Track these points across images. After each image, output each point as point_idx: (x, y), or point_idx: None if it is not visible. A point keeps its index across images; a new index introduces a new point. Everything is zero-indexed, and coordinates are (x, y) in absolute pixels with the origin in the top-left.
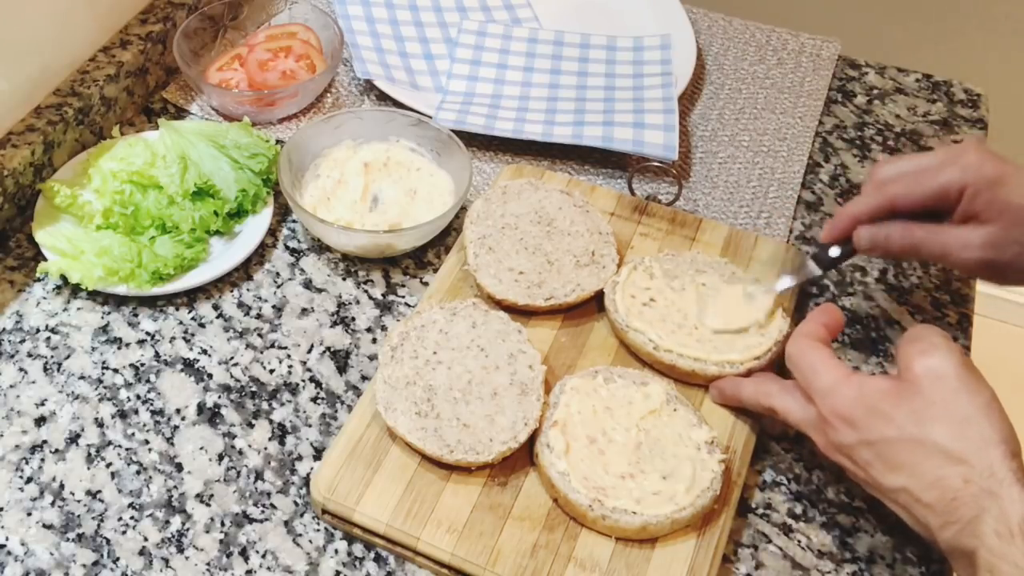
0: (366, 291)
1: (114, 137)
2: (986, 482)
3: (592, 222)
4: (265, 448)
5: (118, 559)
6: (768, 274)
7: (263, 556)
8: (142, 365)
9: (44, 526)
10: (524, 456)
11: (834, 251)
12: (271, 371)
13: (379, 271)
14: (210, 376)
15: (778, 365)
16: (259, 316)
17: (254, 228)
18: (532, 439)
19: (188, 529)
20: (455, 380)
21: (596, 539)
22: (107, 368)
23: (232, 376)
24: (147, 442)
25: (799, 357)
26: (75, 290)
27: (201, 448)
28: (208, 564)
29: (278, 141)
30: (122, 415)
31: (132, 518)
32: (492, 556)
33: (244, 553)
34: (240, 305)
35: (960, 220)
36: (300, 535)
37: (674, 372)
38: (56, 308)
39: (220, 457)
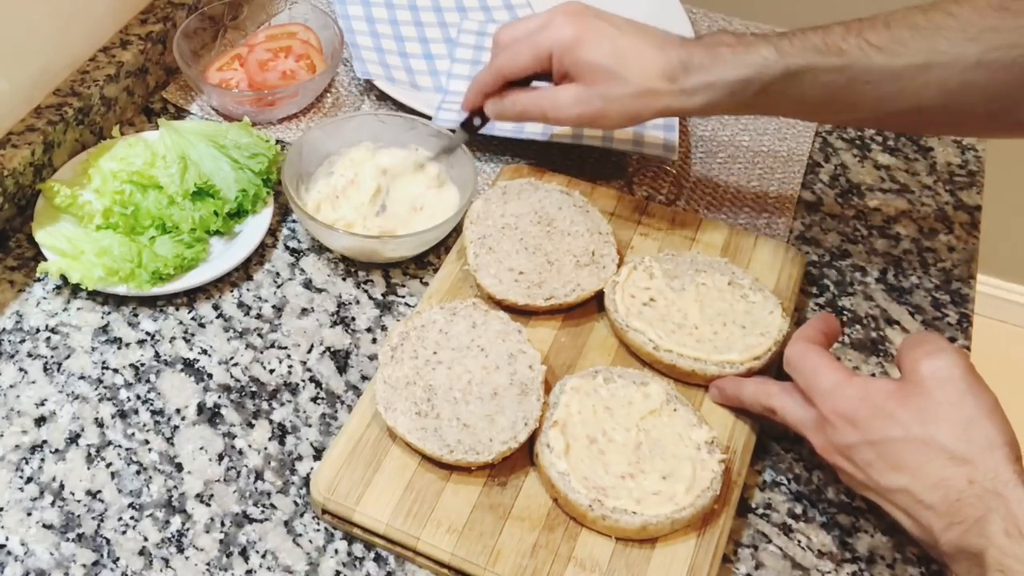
0: (366, 291)
1: (114, 137)
2: (990, 483)
3: (592, 222)
4: (265, 448)
5: (118, 559)
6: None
7: (263, 556)
8: (142, 365)
9: (44, 526)
10: (524, 456)
11: (476, 121)
12: (271, 371)
13: (379, 271)
14: (210, 376)
15: (777, 372)
16: (259, 316)
17: (254, 228)
18: (532, 439)
19: (188, 529)
20: (455, 380)
21: (596, 539)
22: (107, 368)
23: (232, 376)
24: (147, 442)
25: (800, 359)
26: (75, 290)
27: (201, 448)
28: (208, 564)
29: (278, 141)
30: (122, 415)
31: (132, 518)
32: (492, 556)
33: (244, 553)
34: (240, 305)
35: (557, 81)
36: (300, 535)
37: (674, 372)
38: (56, 308)
39: (220, 457)
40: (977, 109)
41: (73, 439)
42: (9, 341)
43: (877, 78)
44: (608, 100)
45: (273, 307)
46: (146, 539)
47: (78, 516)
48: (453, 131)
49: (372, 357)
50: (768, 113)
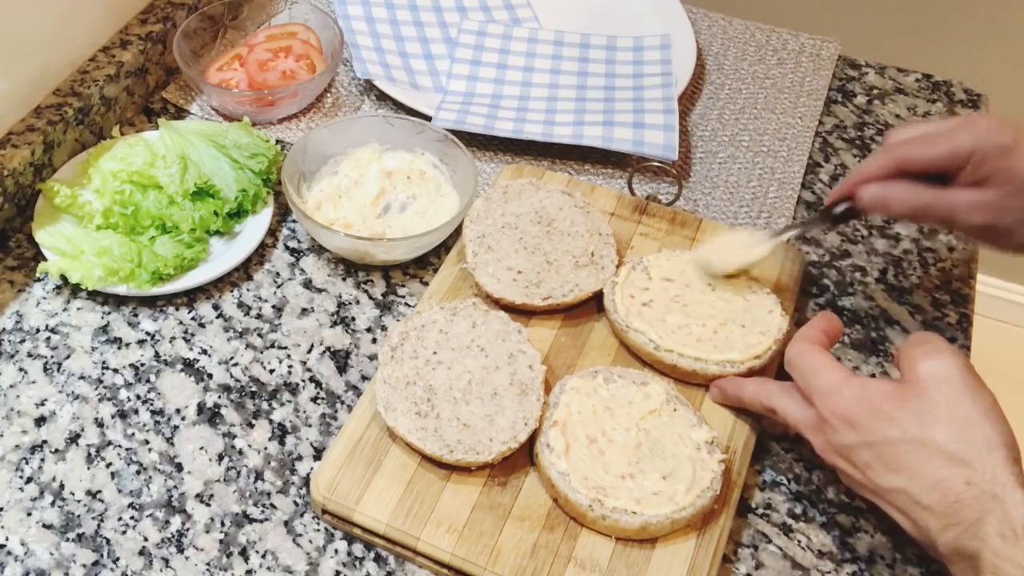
0: (366, 291)
1: (114, 137)
2: (988, 485)
3: (592, 223)
4: (265, 448)
5: (118, 559)
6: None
7: (263, 556)
8: (142, 365)
9: (44, 526)
10: (524, 456)
11: (839, 208)
12: (271, 371)
13: (379, 271)
14: (210, 376)
15: (778, 373)
16: (259, 316)
17: (254, 228)
18: (532, 439)
19: (188, 529)
20: (455, 380)
21: (596, 539)
22: (107, 368)
23: (232, 376)
24: (147, 442)
25: (799, 359)
26: (75, 290)
27: (201, 448)
28: (208, 564)
29: (278, 141)
30: (122, 415)
31: (132, 518)
32: (492, 556)
33: (244, 553)
34: (240, 305)
35: (966, 184)
36: (300, 535)
37: (675, 372)
38: (56, 308)
39: (220, 457)
40: None
41: (73, 439)
42: (9, 341)
43: None
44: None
45: (273, 307)
46: (146, 539)
47: (78, 516)
48: (814, 215)
49: (372, 357)
50: None
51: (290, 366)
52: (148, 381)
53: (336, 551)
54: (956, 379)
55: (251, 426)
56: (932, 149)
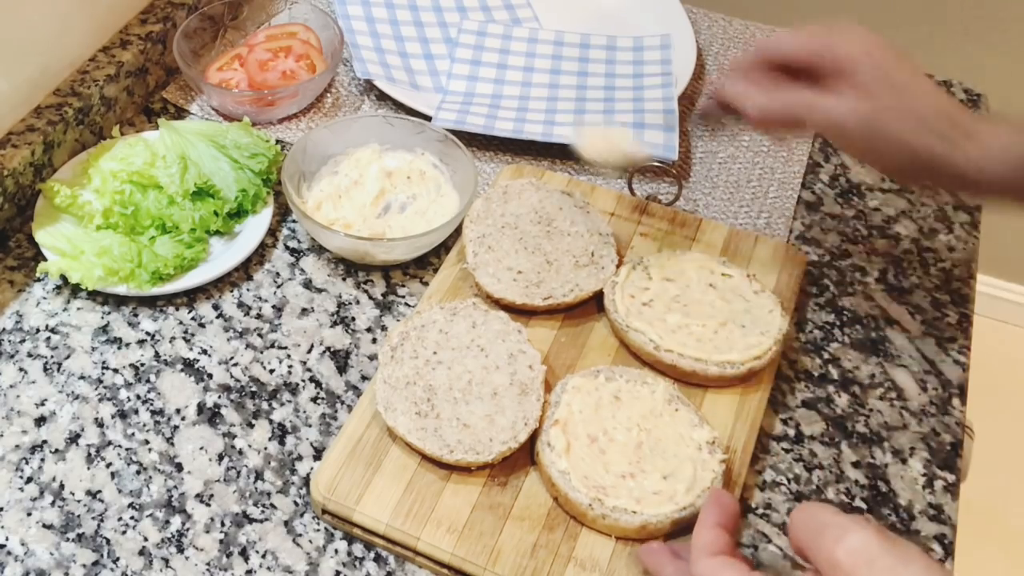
0: (366, 291)
1: (114, 137)
2: None
3: (592, 223)
4: (265, 448)
5: (118, 559)
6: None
7: (263, 556)
8: (142, 365)
9: (44, 526)
10: (524, 456)
11: (703, 108)
12: (271, 371)
13: (379, 271)
14: (210, 376)
15: (778, 375)
16: (259, 316)
17: (254, 228)
18: (532, 439)
19: (188, 529)
20: (455, 380)
21: (596, 539)
22: (107, 368)
23: (232, 376)
24: (147, 442)
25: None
26: (75, 290)
27: (201, 448)
28: (208, 564)
29: (278, 141)
30: (122, 415)
31: (132, 518)
32: (492, 556)
33: (244, 553)
34: (240, 305)
35: (834, 88)
36: (300, 535)
37: (674, 372)
38: (56, 308)
39: (220, 457)
40: None
41: (73, 439)
42: (9, 341)
43: None
44: (894, 112)
45: (273, 307)
46: (146, 539)
47: (78, 516)
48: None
49: (372, 357)
50: None
51: (290, 366)
52: (148, 381)
53: (336, 551)
54: (880, 553)
55: (251, 426)
56: (794, 40)
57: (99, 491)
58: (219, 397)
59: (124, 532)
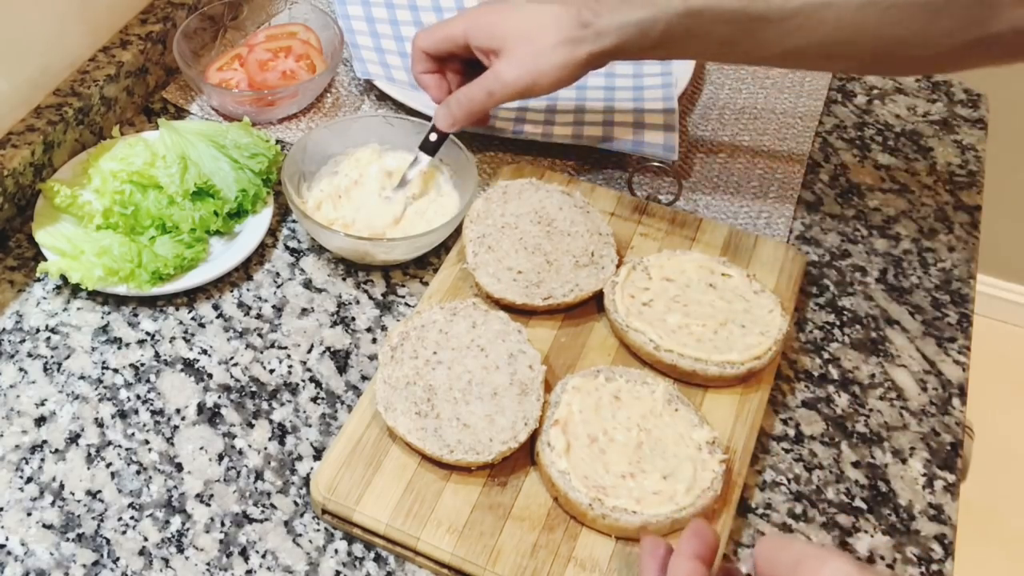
0: (366, 291)
1: (114, 137)
2: None
3: (592, 223)
4: (265, 448)
5: (118, 559)
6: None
7: (263, 556)
8: (142, 365)
9: (44, 526)
10: (524, 456)
11: (433, 136)
12: (271, 371)
13: (379, 271)
14: (210, 376)
15: (777, 375)
16: (259, 316)
17: (254, 228)
18: (532, 439)
19: (188, 529)
20: (455, 380)
21: (596, 539)
22: (107, 368)
23: (232, 376)
24: (147, 442)
25: None
26: (75, 290)
27: (201, 448)
28: (208, 564)
29: (278, 141)
30: (122, 415)
31: (132, 518)
32: (492, 556)
33: (244, 553)
34: (240, 305)
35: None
36: (300, 535)
37: (674, 372)
38: (56, 308)
39: (220, 457)
40: (871, 46)
41: (73, 439)
42: (9, 341)
43: (776, 15)
44: (537, 57)
45: (273, 307)
46: (146, 539)
47: (78, 516)
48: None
49: (372, 357)
50: (682, 56)
51: (290, 366)
52: (148, 381)
53: (336, 551)
54: None
55: (251, 426)
56: (435, 32)
57: (99, 491)
58: (219, 397)
59: (124, 532)
